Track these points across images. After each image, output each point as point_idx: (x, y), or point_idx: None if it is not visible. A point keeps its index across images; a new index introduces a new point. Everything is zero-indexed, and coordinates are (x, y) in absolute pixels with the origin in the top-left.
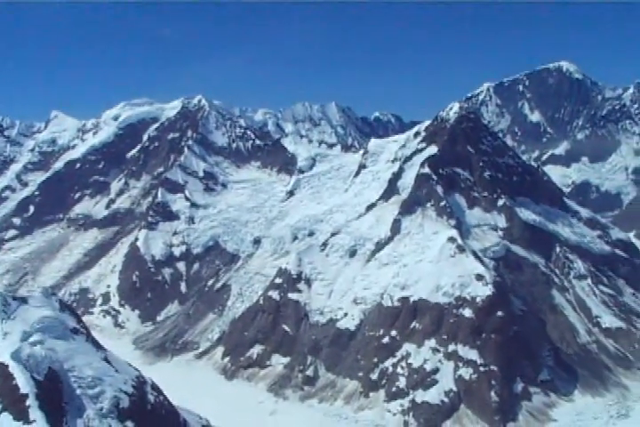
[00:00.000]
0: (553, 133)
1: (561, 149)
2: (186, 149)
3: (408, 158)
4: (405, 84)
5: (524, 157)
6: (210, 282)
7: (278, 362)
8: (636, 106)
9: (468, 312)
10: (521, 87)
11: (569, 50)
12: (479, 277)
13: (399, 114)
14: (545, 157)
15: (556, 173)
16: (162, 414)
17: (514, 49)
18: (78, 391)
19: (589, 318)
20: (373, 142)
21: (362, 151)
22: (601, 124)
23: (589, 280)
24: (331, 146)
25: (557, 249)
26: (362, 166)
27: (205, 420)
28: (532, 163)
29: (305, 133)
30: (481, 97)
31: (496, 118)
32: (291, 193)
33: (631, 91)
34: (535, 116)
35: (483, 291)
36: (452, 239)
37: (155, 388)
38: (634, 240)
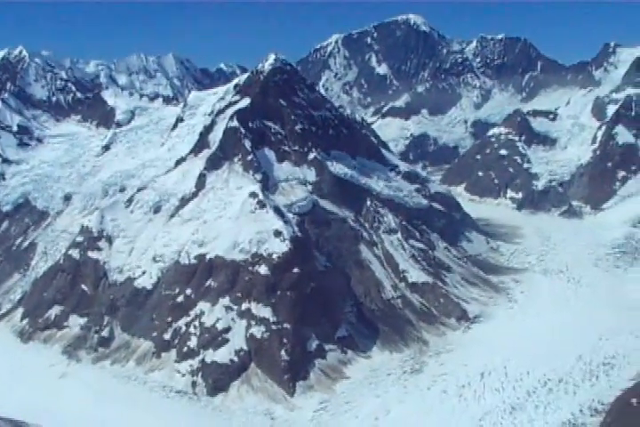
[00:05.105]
0: (398, 86)
1: (401, 101)
2: (0, 103)
3: (221, 111)
4: (257, 36)
5: (370, 110)
6: (18, 241)
7: (76, 323)
8: (478, 59)
9: (263, 269)
10: (369, 39)
11: (417, 3)
12: (277, 233)
13: (248, 66)
14: (385, 109)
15: (394, 126)
16: None
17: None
18: None
19: (396, 272)
20: (193, 95)
21: (181, 104)
22: (442, 78)
23: (399, 234)
24: (152, 99)
25: (368, 203)
26: (179, 120)
27: None
28: (358, 116)
29: (139, 86)
30: (329, 49)
31: (344, 70)
32: (106, 148)
33: (474, 44)
34: (382, 69)
35: (280, 247)
36: (253, 194)
37: None
38: (463, 192)
